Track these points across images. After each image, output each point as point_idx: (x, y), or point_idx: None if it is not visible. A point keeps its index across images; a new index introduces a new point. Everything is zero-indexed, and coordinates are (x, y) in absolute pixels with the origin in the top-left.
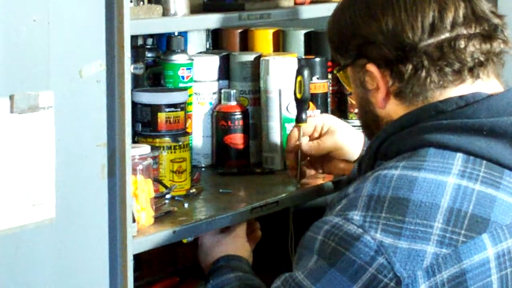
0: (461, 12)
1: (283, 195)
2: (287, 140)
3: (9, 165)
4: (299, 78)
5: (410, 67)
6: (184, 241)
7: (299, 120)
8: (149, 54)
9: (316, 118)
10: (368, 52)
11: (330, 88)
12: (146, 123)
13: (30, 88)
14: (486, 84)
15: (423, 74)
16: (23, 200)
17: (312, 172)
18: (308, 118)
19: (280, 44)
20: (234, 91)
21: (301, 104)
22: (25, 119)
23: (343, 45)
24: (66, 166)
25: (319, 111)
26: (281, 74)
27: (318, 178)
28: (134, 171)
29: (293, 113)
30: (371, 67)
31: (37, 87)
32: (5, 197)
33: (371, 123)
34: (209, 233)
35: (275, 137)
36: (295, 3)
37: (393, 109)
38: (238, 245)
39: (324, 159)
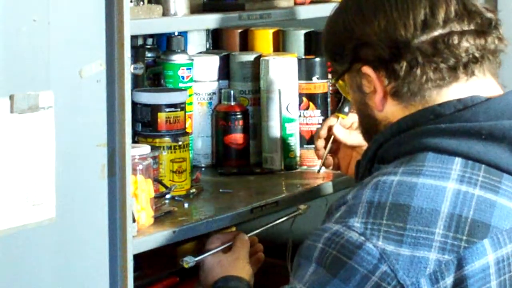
0: (452, 7)
1: (283, 195)
2: (322, 125)
3: (9, 165)
4: None
5: (404, 64)
6: (186, 265)
7: (340, 111)
8: (149, 54)
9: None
10: (363, 55)
11: (330, 88)
12: (146, 123)
13: (30, 88)
14: (482, 82)
15: (418, 71)
16: (23, 200)
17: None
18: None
19: (280, 44)
20: (234, 91)
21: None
22: (25, 119)
23: (338, 51)
24: (66, 166)
25: (319, 111)
26: (281, 74)
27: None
28: (134, 171)
29: (292, 114)
30: (367, 69)
31: (37, 87)
32: (5, 197)
33: (370, 128)
34: (211, 255)
35: (275, 137)
36: (295, 3)
37: (391, 111)
38: (239, 266)
39: (350, 158)
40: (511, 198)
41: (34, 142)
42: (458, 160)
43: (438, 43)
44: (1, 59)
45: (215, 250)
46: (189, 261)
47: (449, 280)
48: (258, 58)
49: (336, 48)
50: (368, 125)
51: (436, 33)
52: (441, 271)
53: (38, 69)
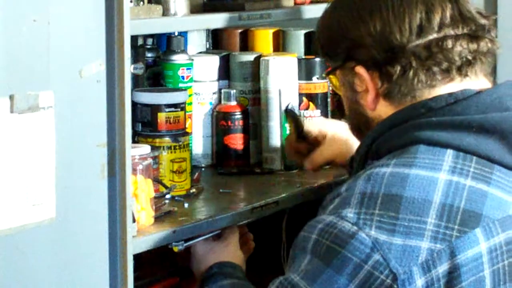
0: (448, 13)
1: (283, 195)
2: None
3: (9, 165)
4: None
5: (398, 68)
6: (175, 249)
7: (300, 137)
8: (149, 54)
9: (321, 124)
10: (357, 55)
11: (330, 88)
12: (146, 123)
13: (30, 88)
14: (474, 82)
15: (411, 74)
16: (23, 200)
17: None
18: (313, 122)
19: (280, 44)
20: (234, 91)
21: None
22: (25, 119)
23: (332, 48)
24: (66, 166)
25: (319, 111)
26: (281, 74)
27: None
28: (134, 171)
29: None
30: (360, 69)
31: (37, 87)
32: (5, 197)
33: (361, 125)
34: (201, 242)
35: (275, 137)
36: (295, 3)
37: (383, 110)
38: (231, 252)
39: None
40: (503, 189)
41: (34, 142)
42: (449, 152)
43: (432, 47)
44: (1, 59)
45: (206, 236)
46: (177, 245)
47: (441, 268)
48: (258, 58)
49: (329, 45)
50: (360, 122)
51: (431, 37)
52: (433, 260)
53: (38, 69)
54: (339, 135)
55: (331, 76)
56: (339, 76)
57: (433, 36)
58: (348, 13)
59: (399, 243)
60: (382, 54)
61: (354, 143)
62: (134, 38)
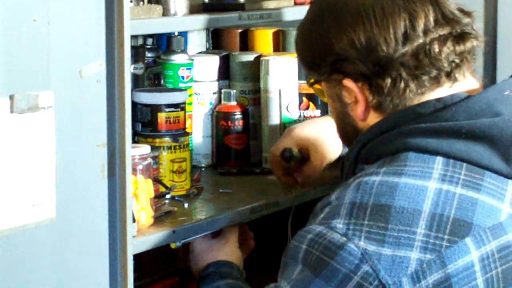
0: (431, 17)
1: (283, 195)
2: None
3: (9, 165)
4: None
5: (389, 80)
6: (172, 246)
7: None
8: (149, 54)
9: (296, 140)
10: (343, 68)
11: None
12: (146, 123)
13: (30, 88)
14: (463, 84)
15: (402, 85)
16: (23, 200)
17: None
18: (292, 146)
19: (280, 44)
20: (234, 91)
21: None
22: (25, 119)
23: (315, 62)
24: (66, 166)
25: (319, 111)
26: (281, 74)
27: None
28: (134, 171)
29: (292, 114)
30: (348, 82)
31: (37, 87)
32: (5, 197)
33: (351, 135)
34: (200, 239)
35: (275, 137)
36: (295, 3)
37: (373, 121)
38: (229, 251)
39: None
40: (493, 196)
41: (34, 142)
42: (439, 159)
43: (419, 55)
44: (1, 59)
45: (204, 234)
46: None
47: (432, 279)
48: (258, 58)
49: (312, 58)
50: (350, 133)
51: (417, 43)
52: (422, 271)
53: (38, 69)
54: (314, 147)
55: (316, 86)
56: (325, 87)
57: (419, 42)
58: (329, 26)
59: (388, 254)
60: (370, 67)
61: (330, 145)
62: (134, 38)
